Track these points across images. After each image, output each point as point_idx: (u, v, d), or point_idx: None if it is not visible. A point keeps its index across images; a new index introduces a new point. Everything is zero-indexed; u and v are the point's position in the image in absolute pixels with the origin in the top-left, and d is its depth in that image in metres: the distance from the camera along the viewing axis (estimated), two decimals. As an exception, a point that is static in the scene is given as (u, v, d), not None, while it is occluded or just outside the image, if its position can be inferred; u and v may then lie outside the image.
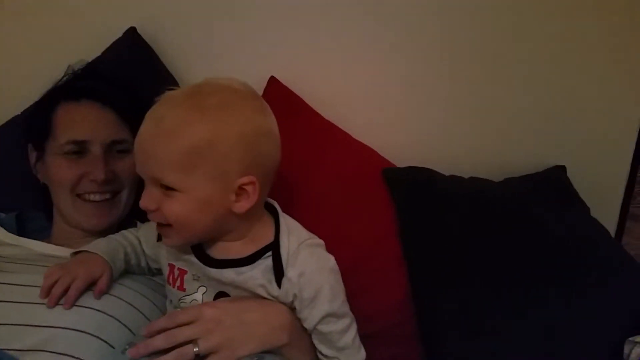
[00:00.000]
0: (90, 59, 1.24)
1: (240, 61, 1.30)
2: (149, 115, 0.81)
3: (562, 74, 1.32)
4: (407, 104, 1.34)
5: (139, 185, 1.07)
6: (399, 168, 1.25)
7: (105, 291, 0.90)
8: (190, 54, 1.31)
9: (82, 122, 1.07)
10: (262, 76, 1.27)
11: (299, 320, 0.88)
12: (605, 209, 1.34)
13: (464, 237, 1.13)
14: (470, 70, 1.32)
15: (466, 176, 1.26)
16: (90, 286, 0.88)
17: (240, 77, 0.87)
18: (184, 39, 1.30)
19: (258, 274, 0.85)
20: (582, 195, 1.27)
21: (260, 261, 0.86)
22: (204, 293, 0.88)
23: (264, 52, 1.30)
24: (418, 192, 1.19)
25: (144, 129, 0.81)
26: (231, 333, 0.81)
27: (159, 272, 1.01)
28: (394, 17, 1.29)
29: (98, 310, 0.87)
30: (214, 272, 0.86)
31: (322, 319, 0.86)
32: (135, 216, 1.10)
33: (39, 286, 0.86)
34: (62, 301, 0.85)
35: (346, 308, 0.91)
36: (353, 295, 0.93)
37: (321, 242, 0.92)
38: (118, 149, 1.09)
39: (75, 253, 0.94)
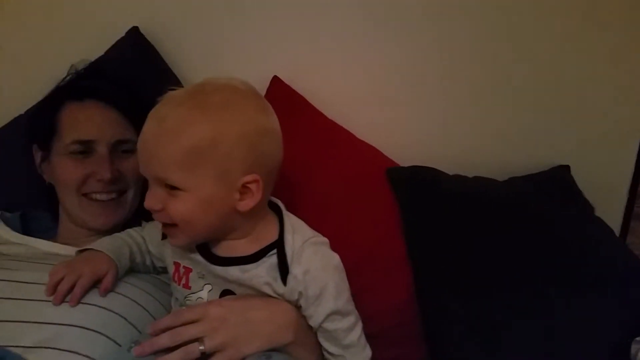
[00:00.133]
0: (93, 59, 1.24)
1: (243, 60, 1.31)
2: (152, 115, 0.81)
3: (566, 73, 1.32)
4: (411, 104, 1.34)
5: (144, 186, 1.07)
6: (403, 167, 1.25)
7: (111, 289, 0.90)
8: (192, 54, 1.31)
9: (87, 122, 1.08)
10: (265, 75, 1.27)
11: (304, 318, 0.88)
12: (609, 209, 1.34)
13: (468, 236, 1.13)
14: (475, 69, 1.32)
15: (470, 176, 1.26)
16: (95, 284, 0.88)
17: (243, 77, 0.87)
18: (186, 38, 1.31)
19: (263, 272, 0.85)
20: (586, 194, 1.27)
21: (265, 259, 0.86)
22: (209, 291, 0.88)
23: (267, 52, 1.30)
24: (422, 192, 1.19)
25: (147, 129, 0.81)
26: (236, 331, 0.81)
27: (164, 270, 1.01)
28: (397, 16, 1.29)
29: (103, 308, 0.87)
30: (219, 269, 0.86)
31: (328, 316, 0.86)
32: (140, 216, 1.10)
33: (44, 284, 0.86)
34: (67, 299, 0.85)
35: (351, 306, 0.91)
36: (357, 295, 0.93)
37: (325, 240, 0.92)
38: (123, 148, 1.10)
39: (81, 251, 0.94)
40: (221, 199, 0.81)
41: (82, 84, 1.14)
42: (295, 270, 0.84)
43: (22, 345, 0.80)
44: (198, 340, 0.79)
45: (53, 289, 0.85)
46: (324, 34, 1.30)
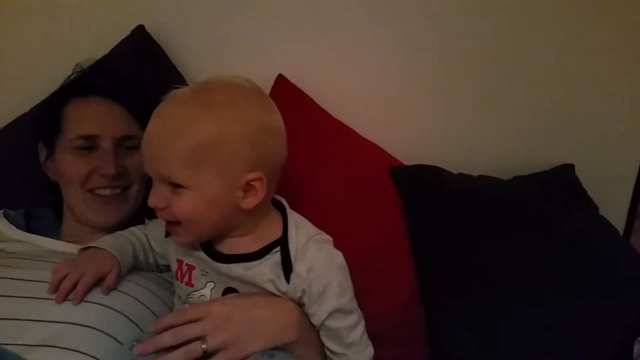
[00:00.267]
0: (98, 57, 1.24)
1: (248, 59, 1.31)
2: (156, 114, 0.81)
3: (571, 72, 1.32)
4: (415, 102, 1.34)
5: (148, 184, 1.07)
6: (407, 166, 1.25)
7: (114, 287, 0.90)
8: (197, 52, 1.31)
9: (92, 117, 1.08)
10: (270, 74, 1.27)
11: (307, 317, 0.88)
12: (613, 208, 1.33)
13: (471, 235, 1.13)
14: (479, 68, 1.31)
15: (474, 174, 1.26)
16: (98, 282, 0.88)
17: (248, 75, 0.87)
18: (192, 37, 1.31)
19: (266, 269, 0.85)
20: (590, 193, 1.27)
21: (268, 256, 0.86)
22: (212, 289, 0.88)
23: (272, 50, 1.30)
24: (426, 191, 1.19)
25: (151, 127, 0.81)
26: (239, 330, 0.81)
27: (167, 268, 1.01)
28: (402, 15, 1.29)
29: (106, 306, 0.87)
30: (223, 267, 0.86)
31: (331, 314, 0.86)
32: (144, 214, 1.10)
33: (47, 282, 0.86)
34: (70, 297, 0.85)
35: (354, 304, 0.91)
36: (359, 295, 0.93)
37: (329, 238, 0.92)
38: (128, 145, 1.10)
39: (84, 249, 0.94)
40: (225, 197, 0.81)
41: (87, 82, 1.14)
42: (299, 267, 0.84)
43: (25, 343, 0.80)
44: (200, 339, 0.79)
45: (56, 287, 0.85)
46: (329, 33, 1.30)
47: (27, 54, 1.31)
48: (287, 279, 0.85)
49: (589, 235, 1.15)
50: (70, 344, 0.81)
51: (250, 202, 0.82)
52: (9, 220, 1.09)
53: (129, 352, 0.81)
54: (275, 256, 0.86)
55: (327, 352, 0.91)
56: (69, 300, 0.85)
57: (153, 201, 0.82)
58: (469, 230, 1.13)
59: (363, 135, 1.28)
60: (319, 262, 0.85)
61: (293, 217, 0.90)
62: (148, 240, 1.00)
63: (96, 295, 0.87)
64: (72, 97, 1.11)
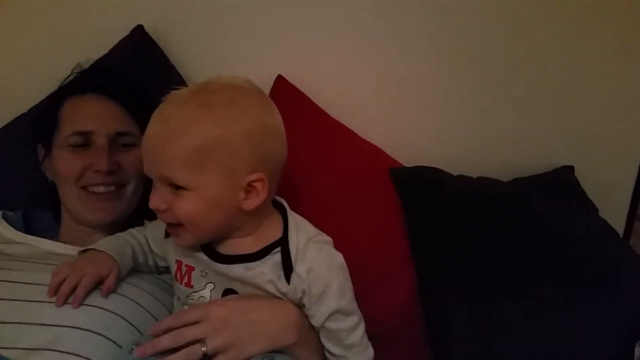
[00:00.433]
0: (97, 57, 1.24)
1: (247, 59, 1.31)
2: (156, 115, 0.81)
3: (570, 73, 1.32)
4: (415, 103, 1.34)
5: (146, 184, 1.07)
6: (407, 168, 1.25)
7: (113, 290, 0.89)
8: (197, 52, 1.31)
9: (87, 113, 1.08)
10: (269, 75, 1.27)
11: (307, 319, 0.88)
12: (613, 210, 1.33)
13: (472, 237, 1.13)
14: (479, 69, 1.32)
15: (474, 176, 1.26)
16: (98, 285, 0.88)
17: (248, 76, 0.87)
18: (191, 37, 1.31)
19: (267, 270, 0.85)
20: (590, 195, 1.27)
21: (268, 257, 0.86)
22: (211, 290, 0.88)
23: (271, 51, 1.30)
24: (426, 192, 1.19)
25: (152, 128, 0.81)
26: (239, 332, 0.80)
27: (166, 270, 1.01)
28: (401, 15, 1.29)
29: (105, 310, 0.87)
30: (223, 267, 0.86)
31: (330, 315, 0.86)
32: (143, 215, 1.09)
33: (46, 285, 0.85)
34: (70, 300, 0.85)
35: (354, 306, 0.90)
36: (359, 296, 0.92)
37: (329, 239, 0.92)
38: (123, 142, 1.09)
39: (83, 251, 0.94)
40: (226, 198, 0.81)
41: (84, 80, 1.14)
42: (299, 268, 0.84)
43: (23, 347, 0.79)
44: (200, 341, 0.78)
45: (55, 290, 0.85)
46: (328, 34, 1.30)
47: (26, 54, 1.31)
48: (288, 280, 0.85)
49: (589, 237, 1.15)
50: (70, 348, 0.81)
51: (251, 203, 0.82)
52: (7, 222, 1.09)
53: (128, 355, 0.81)
54: (275, 257, 0.86)
55: (327, 354, 0.91)
56: (69, 303, 0.84)
57: (154, 203, 0.82)
58: (469, 232, 1.13)
59: (363, 136, 1.28)
60: (319, 262, 0.85)
61: (293, 218, 0.90)
62: (147, 241, 1.00)
63: (95, 298, 0.87)
64: (69, 96, 1.11)
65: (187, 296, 0.89)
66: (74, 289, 0.85)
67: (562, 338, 1.01)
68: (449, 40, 1.30)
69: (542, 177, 1.28)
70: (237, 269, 0.85)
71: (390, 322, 1.09)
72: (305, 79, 1.28)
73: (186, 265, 0.90)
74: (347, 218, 1.15)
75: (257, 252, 0.86)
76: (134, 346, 0.79)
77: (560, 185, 1.26)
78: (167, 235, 0.92)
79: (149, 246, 1.00)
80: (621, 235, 1.40)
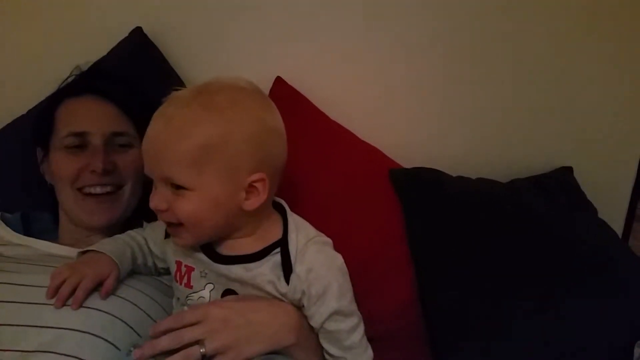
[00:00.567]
0: (96, 59, 1.24)
1: (246, 61, 1.31)
2: (158, 116, 0.81)
3: (569, 74, 1.32)
4: (414, 105, 1.34)
5: (144, 185, 1.07)
6: (406, 169, 1.25)
7: (112, 292, 0.89)
8: (196, 54, 1.31)
9: (82, 114, 1.08)
10: (268, 76, 1.27)
11: (306, 320, 0.88)
12: (612, 211, 1.33)
13: (471, 238, 1.13)
14: (477, 71, 1.32)
15: (473, 177, 1.26)
16: (97, 286, 0.88)
17: (247, 78, 0.87)
18: (189, 39, 1.31)
19: (266, 270, 0.85)
20: (589, 196, 1.27)
21: (268, 257, 0.86)
22: (211, 290, 0.88)
23: (270, 53, 1.30)
24: (425, 193, 1.19)
25: (153, 129, 0.81)
26: (238, 333, 0.80)
27: (165, 271, 1.01)
28: (400, 18, 1.29)
29: (104, 312, 0.86)
30: (223, 268, 0.86)
31: (330, 316, 0.86)
32: (142, 217, 1.09)
33: (44, 287, 0.85)
34: (69, 302, 0.84)
35: (354, 307, 0.90)
36: (359, 297, 0.92)
37: (329, 240, 0.92)
38: (119, 142, 1.09)
39: (83, 253, 0.94)
40: (228, 198, 0.81)
41: (80, 82, 1.15)
42: (299, 268, 0.84)
43: (22, 349, 0.79)
44: (199, 342, 0.78)
45: (54, 292, 0.84)
46: (327, 35, 1.30)
47: (25, 55, 1.31)
48: (287, 280, 0.85)
49: (588, 238, 1.15)
50: (68, 350, 0.80)
51: (252, 203, 0.82)
52: (6, 223, 1.09)
53: (126, 358, 0.81)
54: (275, 257, 0.86)
55: (326, 356, 0.91)
56: (67, 305, 0.84)
57: (154, 203, 0.82)
58: (469, 233, 1.14)
59: (362, 138, 1.28)
60: (318, 263, 0.85)
61: (293, 219, 0.90)
62: (147, 243, 1.00)
63: (94, 300, 0.87)
64: (65, 98, 1.11)
65: (187, 297, 0.89)
66: (73, 291, 0.85)
67: (561, 338, 1.01)
68: (448, 41, 1.30)
69: (542, 178, 1.28)
70: (237, 270, 0.85)
71: (390, 322, 1.09)
72: (304, 81, 1.28)
73: (186, 266, 0.90)
74: (346, 219, 1.15)
75: (257, 252, 0.86)
76: (131, 349, 0.80)
77: (559, 186, 1.26)
78: (166, 235, 0.92)
79: (148, 247, 1.00)
80: (620, 236, 1.41)
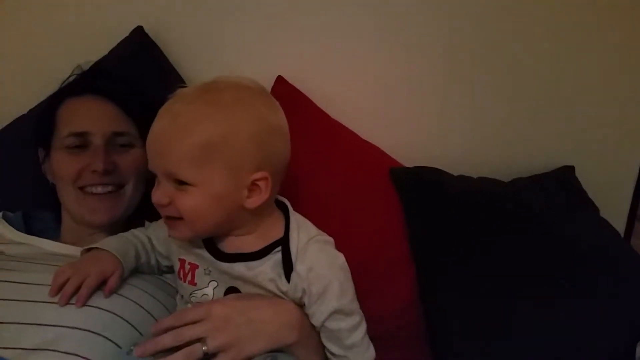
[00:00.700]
0: (97, 59, 1.24)
1: (247, 60, 1.31)
2: (163, 112, 0.82)
3: (571, 73, 1.32)
4: (415, 104, 1.34)
5: (146, 184, 1.07)
6: (407, 168, 1.25)
7: (115, 290, 0.89)
8: (197, 53, 1.31)
9: (83, 114, 1.08)
10: (269, 75, 1.27)
11: (308, 319, 0.88)
12: (614, 210, 1.33)
13: (472, 237, 1.13)
14: (479, 69, 1.32)
15: (474, 176, 1.26)
16: (102, 284, 0.88)
17: (248, 77, 0.88)
18: (191, 38, 1.31)
19: (268, 269, 0.85)
20: (591, 195, 1.27)
21: (269, 256, 0.86)
22: (214, 288, 0.88)
23: (272, 51, 1.31)
24: (426, 192, 1.19)
25: (159, 124, 0.81)
26: (240, 331, 0.80)
27: (168, 270, 1.02)
28: (401, 16, 1.29)
29: (106, 310, 0.86)
30: (225, 266, 0.86)
31: (330, 315, 0.86)
32: (144, 216, 1.09)
33: (46, 285, 0.85)
34: (73, 300, 0.85)
35: (355, 306, 0.90)
36: (359, 296, 0.92)
37: (330, 239, 0.92)
38: (120, 142, 1.09)
39: (87, 250, 0.94)
40: (230, 195, 0.81)
41: (81, 81, 1.15)
42: (299, 267, 0.84)
43: (23, 347, 0.79)
44: (201, 340, 0.78)
45: (58, 290, 0.84)
46: (328, 34, 1.30)
47: (26, 55, 1.31)
48: (288, 279, 0.85)
49: (590, 237, 1.15)
50: (69, 348, 0.80)
51: (254, 201, 0.83)
52: (8, 222, 1.09)
53: (126, 356, 0.81)
54: (276, 256, 0.86)
55: (328, 355, 0.91)
56: (71, 303, 0.84)
57: (156, 198, 0.82)
58: (469, 232, 1.14)
59: (363, 137, 1.28)
60: (319, 262, 0.85)
61: (295, 217, 0.91)
62: (150, 241, 1.00)
63: (96, 298, 0.87)
64: (66, 97, 1.11)
65: (190, 294, 0.89)
66: (77, 289, 0.85)
67: (562, 338, 1.01)
68: (449, 40, 1.30)
69: (543, 177, 1.28)
70: (239, 268, 0.85)
71: (390, 322, 1.09)
72: (305, 80, 1.28)
73: (189, 264, 0.90)
74: (347, 218, 1.15)
75: (259, 251, 0.86)
76: (132, 347, 0.79)
77: (560, 185, 1.26)
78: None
79: (152, 246, 1.00)
80: (622, 235, 1.40)
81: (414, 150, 1.31)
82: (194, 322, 0.80)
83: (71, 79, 1.17)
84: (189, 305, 0.89)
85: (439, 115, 1.35)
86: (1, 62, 1.31)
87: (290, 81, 1.28)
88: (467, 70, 1.32)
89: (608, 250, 1.13)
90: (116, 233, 1.01)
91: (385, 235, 1.16)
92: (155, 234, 1.00)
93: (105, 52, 1.25)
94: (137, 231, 1.02)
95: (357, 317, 0.90)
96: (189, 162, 0.78)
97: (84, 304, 0.85)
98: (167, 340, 0.78)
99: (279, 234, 0.88)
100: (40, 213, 1.18)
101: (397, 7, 1.28)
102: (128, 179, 1.09)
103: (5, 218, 1.10)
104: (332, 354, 0.90)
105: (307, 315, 0.88)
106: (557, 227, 1.14)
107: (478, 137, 1.35)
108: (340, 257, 0.90)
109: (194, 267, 0.90)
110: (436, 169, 1.25)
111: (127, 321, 0.88)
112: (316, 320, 0.87)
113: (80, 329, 0.83)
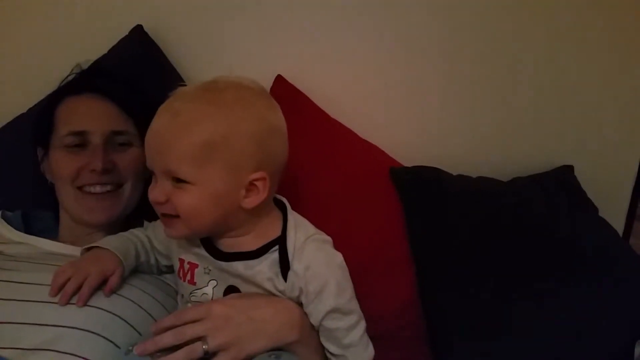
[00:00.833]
0: (96, 57, 1.24)
1: (247, 59, 1.31)
2: (164, 110, 0.81)
3: (570, 73, 1.32)
4: (414, 103, 1.34)
5: (146, 183, 1.07)
6: (406, 167, 1.25)
7: (116, 289, 0.89)
8: (196, 52, 1.32)
9: (82, 113, 1.08)
10: (268, 75, 1.28)
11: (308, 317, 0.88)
12: (612, 209, 1.33)
13: (471, 237, 1.13)
14: (478, 69, 1.32)
15: (474, 176, 1.26)
16: (102, 283, 0.88)
17: (247, 76, 0.87)
18: (190, 37, 1.31)
19: (265, 268, 0.85)
20: (589, 195, 1.27)
21: (267, 255, 0.86)
22: (214, 287, 0.88)
23: (271, 51, 1.31)
24: (425, 192, 1.19)
25: (159, 122, 0.81)
26: (240, 330, 0.80)
27: (167, 270, 1.02)
28: (401, 16, 1.29)
29: (105, 310, 0.86)
30: (224, 264, 0.86)
31: (328, 314, 0.86)
32: (143, 216, 1.09)
33: (46, 284, 0.85)
34: (73, 299, 0.85)
35: (353, 305, 0.90)
36: (359, 296, 0.92)
37: (329, 238, 0.92)
38: (119, 141, 1.09)
39: (87, 249, 0.94)
40: (228, 195, 0.81)
41: (80, 80, 1.15)
42: (296, 266, 0.84)
43: (22, 347, 0.79)
44: (201, 339, 0.78)
45: (58, 290, 0.85)
46: (328, 34, 1.30)
47: (26, 54, 1.31)
48: (285, 277, 0.85)
49: (589, 237, 1.15)
50: (68, 348, 0.80)
51: (251, 201, 0.82)
52: (7, 222, 1.09)
53: (125, 356, 0.80)
54: (273, 255, 0.86)
55: (327, 354, 0.91)
56: (72, 303, 0.84)
57: (154, 195, 0.82)
58: (469, 232, 1.14)
59: (362, 136, 1.28)
60: (317, 261, 0.85)
61: (293, 216, 0.91)
62: (150, 241, 1.00)
63: (96, 298, 0.87)
64: (66, 96, 1.11)
65: (190, 293, 0.89)
66: (78, 289, 0.85)
67: (562, 338, 1.01)
68: (449, 40, 1.30)
69: (542, 177, 1.28)
70: (237, 267, 0.85)
71: (390, 322, 1.09)
72: (305, 79, 1.28)
73: (189, 263, 0.90)
74: (346, 218, 1.15)
75: (256, 250, 0.86)
76: (130, 347, 0.79)
77: (560, 185, 1.26)
78: None
79: (152, 245, 1.00)
80: (621, 235, 1.40)
81: (414, 150, 1.31)
82: (194, 321, 0.80)
83: (70, 77, 1.17)
84: (189, 304, 0.89)
85: (438, 115, 1.35)
86: (1, 62, 1.32)
87: (289, 80, 1.28)
88: (466, 70, 1.32)
89: (607, 250, 1.13)
90: (115, 232, 1.01)
91: (385, 235, 1.16)
92: (154, 233, 1.00)
93: (105, 51, 1.25)
94: (136, 231, 1.02)
95: (355, 317, 0.89)
96: (189, 160, 0.78)
97: (85, 303, 0.84)
98: (168, 339, 0.78)
99: (276, 233, 0.88)
100: (39, 212, 1.18)
101: (397, 7, 1.28)
102: (127, 178, 1.09)
103: (4, 217, 1.10)
104: (331, 353, 0.90)
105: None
106: (556, 226, 1.14)
107: (477, 136, 1.35)
108: (338, 256, 0.90)
109: (193, 266, 0.90)
110: (436, 168, 1.25)
111: (126, 321, 0.87)
112: (314, 319, 0.87)
113: (79, 329, 0.83)
